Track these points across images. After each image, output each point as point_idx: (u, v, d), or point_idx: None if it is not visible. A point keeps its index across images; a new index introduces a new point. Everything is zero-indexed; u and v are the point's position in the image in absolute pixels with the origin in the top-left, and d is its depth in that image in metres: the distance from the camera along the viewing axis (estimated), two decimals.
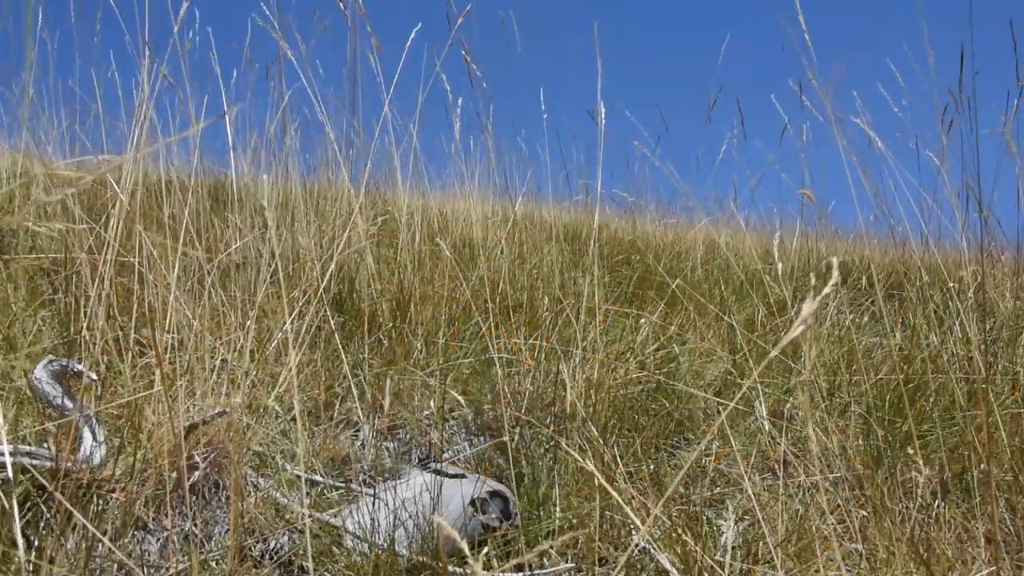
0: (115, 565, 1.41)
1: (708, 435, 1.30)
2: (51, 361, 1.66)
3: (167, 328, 1.90)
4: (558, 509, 1.77)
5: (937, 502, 1.87)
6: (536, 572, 1.62)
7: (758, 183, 3.82)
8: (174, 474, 1.61)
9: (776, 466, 2.00)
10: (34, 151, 3.25)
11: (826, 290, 0.64)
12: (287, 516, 1.69)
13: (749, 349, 2.62)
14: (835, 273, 0.66)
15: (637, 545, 1.67)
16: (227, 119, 2.26)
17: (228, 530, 1.63)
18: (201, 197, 2.51)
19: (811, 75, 1.95)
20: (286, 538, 1.63)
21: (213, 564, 1.54)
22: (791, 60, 1.92)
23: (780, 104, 2.72)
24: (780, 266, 1.59)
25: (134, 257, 1.84)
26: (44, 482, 1.36)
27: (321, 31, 2.64)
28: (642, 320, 2.67)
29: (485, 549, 1.59)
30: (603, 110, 2.45)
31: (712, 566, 1.52)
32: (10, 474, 1.11)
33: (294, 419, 1.98)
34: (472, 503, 1.67)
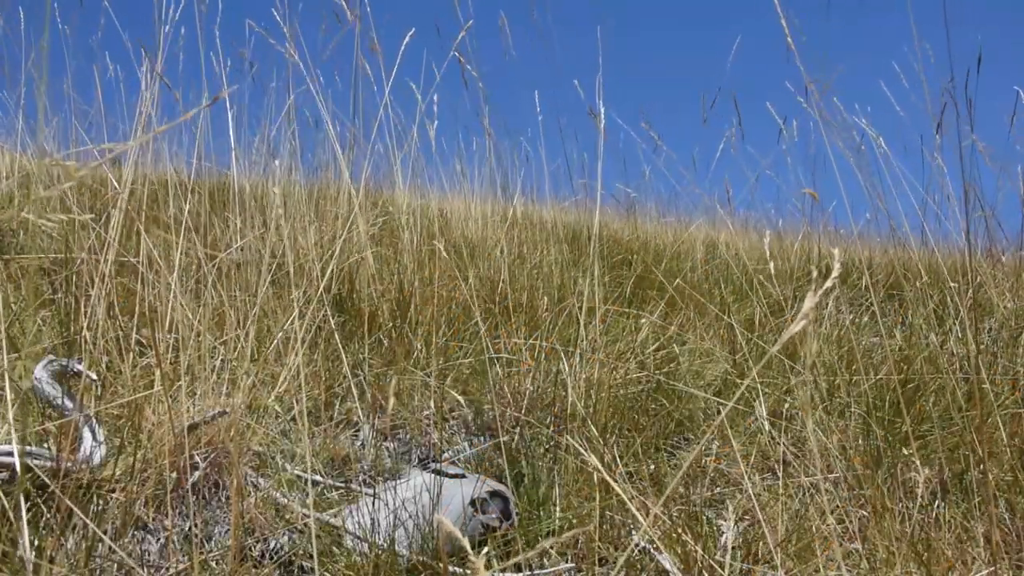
0: (115, 565, 1.41)
1: (708, 435, 1.30)
2: (51, 361, 1.66)
3: (167, 328, 1.90)
4: (558, 509, 1.77)
5: (937, 502, 1.87)
6: (536, 572, 1.62)
7: (756, 179, 3.82)
8: (174, 474, 1.61)
9: (776, 466, 2.00)
10: (31, 146, 3.26)
11: (827, 283, 0.64)
12: (287, 516, 1.69)
13: (749, 349, 2.62)
14: (836, 264, 0.66)
15: (637, 545, 1.67)
16: (229, 119, 2.27)
17: (228, 530, 1.63)
18: (202, 197, 2.52)
19: (805, 77, 1.95)
20: (286, 538, 1.63)
21: (213, 564, 1.54)
22: (792, 60, 1.91)
23: (779, 105, 2.72)
24: (771, 265, 1.59)
25: (134, 257, 1.84)
26: (46, 479, 1.36)
27: (322, 31, 2.65)
28: (642, 320, 2.67)
29: (485, 549, 1.59)
30: (603, 109, 2.46)
31: (712, 566, 1.52)
32: (18, 471, 1.11)
33: (294, 419, 1.98)
34: (472, 503, 1.67)
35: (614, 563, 1.68)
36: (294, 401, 1.97)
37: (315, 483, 1.85)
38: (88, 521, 1.23)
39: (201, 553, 1.55)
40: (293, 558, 1.59)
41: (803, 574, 1.56)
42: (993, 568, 1.49)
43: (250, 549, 1.60)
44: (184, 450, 1.60)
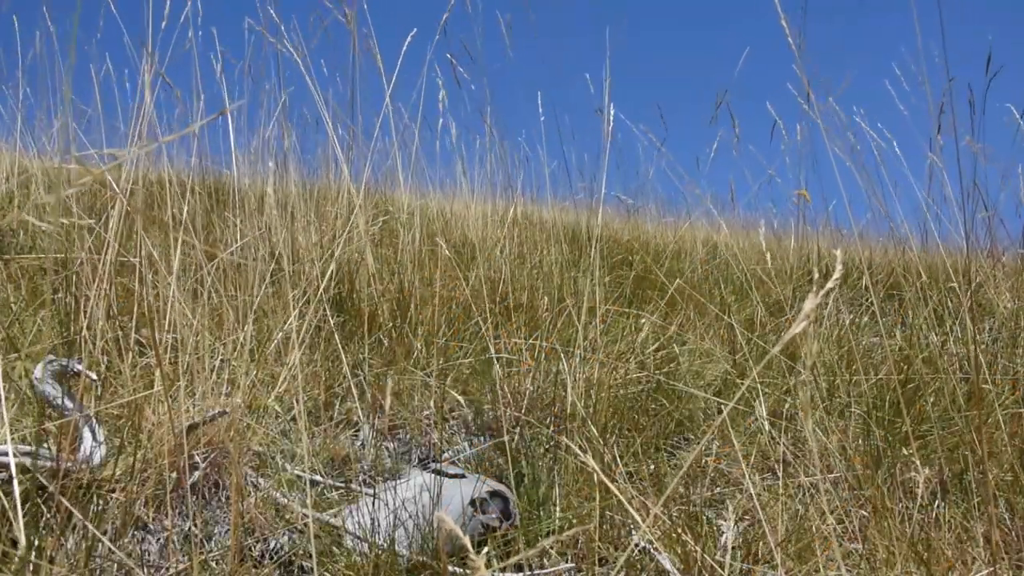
0: (115, 565, 1.41)
1: (708, 435, 1.30)
2: (51, 361, 1.66)
3: (167, 328, 1.90)
4: (558, 509, 1.77)
5: (937, 502, 1.87)
6: (536, 572, 1.62)
7: (760, 186, 3.82)
8: (174, 474, 1.61)
9: (776, 466, 2.00)
10: (32, 148, 3.26)
11: (829, 284, 0.64)
12: (287, 516, 1.69)
13: (749, 349, 2.62)
14: (839, 266, 0.66)
15: (637, 545, 1.67)
16: (228, 119, 2.27)
17: (228, 530, 1.63)
18: (202, 197, 2.52)
19: (804, 78, 1.95)
20: (286, 538, 1.63)
21: (213, 564, 1.54)
22: (794, 61, 1.91)
23: (781, 105, 2.72)
24: (768, 257, 1.59)
25: (134, 257, 1.84)
26: (45, 481, 1.36)
27: (321, 31, 2.65)
28: (642, 320, 2.67)
29: (485, 549, 1.59)
30: (612, 111, 2.46)
31: (712, 566, 1.52)
32: (14, 472, 1.11)
33: (294, 419, 1.98)
34: (472, 503, 1.67)
35: (614, 563, 1.68)
36: (294, 401, 1.97)
37: (315, 483, 1.85)
38: (87, 522, 1.23)
39: (201, 553, 1.55)
40: (293, 558, 1.59)
41: (803, 574, 1.56)
42: (993, 568, 1.49)
43: (250, 549, 1.60)
44: (184, 450, 1.60)
